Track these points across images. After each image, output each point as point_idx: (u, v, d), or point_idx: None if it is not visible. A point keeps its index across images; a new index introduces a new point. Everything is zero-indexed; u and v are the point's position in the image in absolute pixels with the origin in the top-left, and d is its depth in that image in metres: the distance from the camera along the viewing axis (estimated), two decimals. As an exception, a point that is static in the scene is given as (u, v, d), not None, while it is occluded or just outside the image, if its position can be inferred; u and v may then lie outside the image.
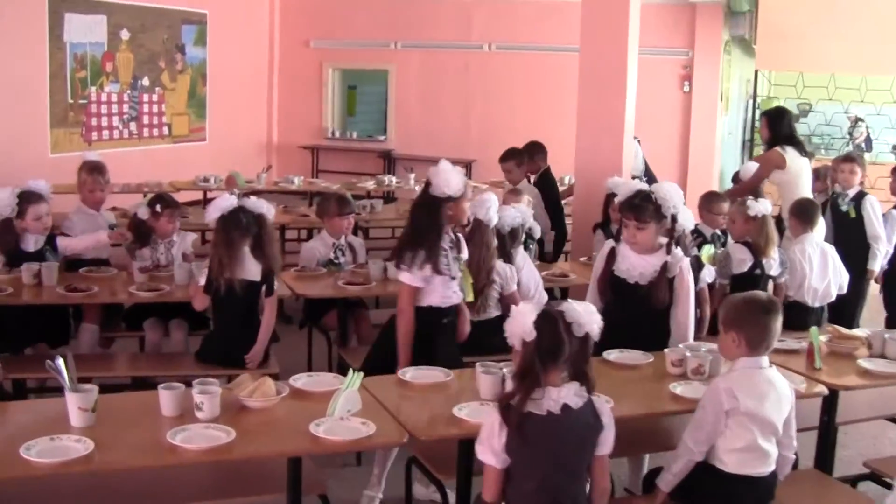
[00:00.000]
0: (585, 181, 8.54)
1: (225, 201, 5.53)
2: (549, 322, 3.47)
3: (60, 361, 3.74)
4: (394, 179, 12.42)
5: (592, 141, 8.44)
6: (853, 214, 7.90)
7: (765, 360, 4.08)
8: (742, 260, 6.50)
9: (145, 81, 14.60)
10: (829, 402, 4.86)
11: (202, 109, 15.88)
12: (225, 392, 3.94)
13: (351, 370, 4.06)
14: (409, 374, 4.51)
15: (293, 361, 6.51)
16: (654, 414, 4.41)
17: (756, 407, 3.96)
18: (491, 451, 3.49)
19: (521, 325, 3.48)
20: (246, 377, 4.06)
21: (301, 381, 4.29)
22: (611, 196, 7.39)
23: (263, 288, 5.60)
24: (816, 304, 6.86)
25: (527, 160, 9.06)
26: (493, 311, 5.97)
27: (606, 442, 3.60)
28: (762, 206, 6.55)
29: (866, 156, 14.27)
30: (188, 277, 6.07)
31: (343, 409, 3.86)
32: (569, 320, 3.47)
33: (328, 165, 17.15)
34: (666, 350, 4.83)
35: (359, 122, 18.05)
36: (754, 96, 15.09)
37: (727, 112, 16.51)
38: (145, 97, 14.65)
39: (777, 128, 8.34)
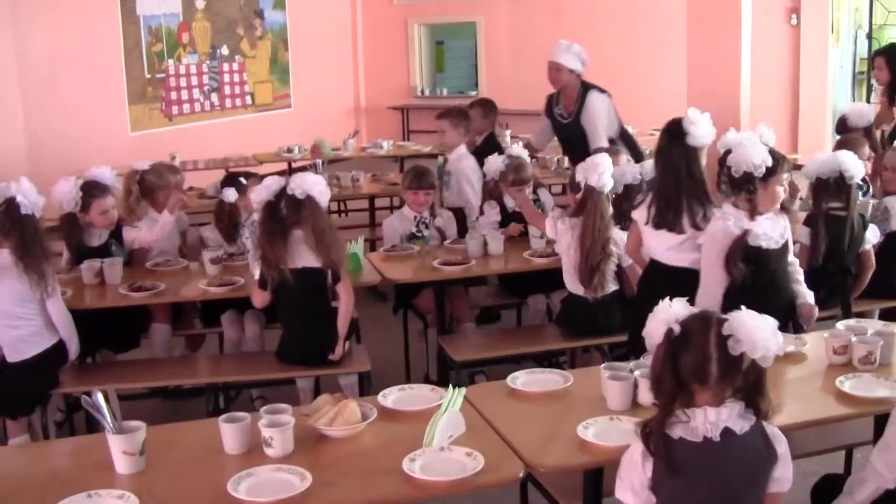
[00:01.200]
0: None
1: (271, 184, 4.86)
2: (697, 330, 2.76)
3: (99, 396, 3.10)
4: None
5: (707, 87, 7.63)
6: None
7: None
8: None
9: (224, 50, 14.02)
10: None
11: (286, 76, 15.26)
12: (300, 419, 3.26)
13: (451, 386, 3.35)
14: (519, 380, 3.79)
15: (387, 352, 5.87)
16: (820, 421, 3.55)
17: None
18: (631, 489, 2.80)
19: (661, 324, 2.80)
20: (325, 398, 3.37)
21: (392, 397, 3.59)
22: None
23: (329, 274, 4.92)
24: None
25: (469, 120, 7.62)
26: (611, 286, 5.28)
27: (783, 478, 2.85)
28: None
29: None
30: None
31: (443, 435, 3.16)
32: (725, 333, 2.74)
33: (419, 125, 16.40)
34: (825, 333, 4.03)
35: (449, 79, 17.34)
36: (870, 25, 13.99)
37: (838, 44, 15.40)
38: (225, 67, 14.07)
39: None
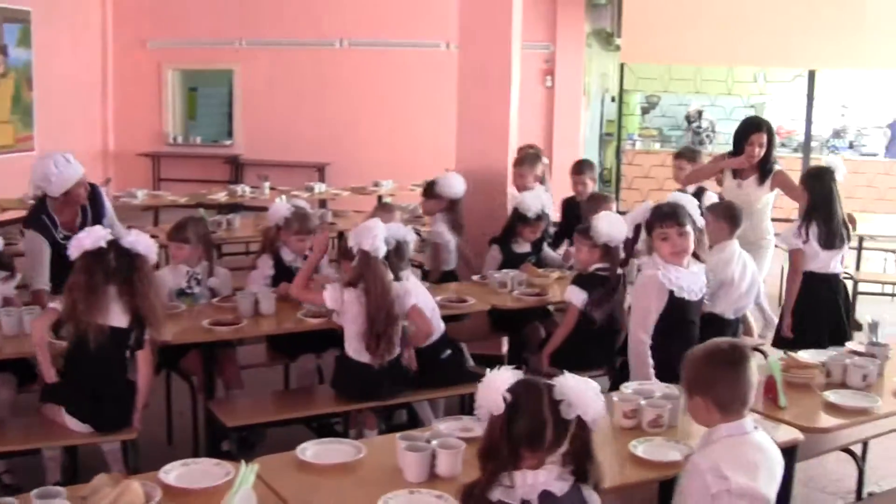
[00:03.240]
0: (469, 189, 7.73)
1: (94, 235, 4.54)
2: (529, 397, 2.74)
3: None
4: (247, 188, 11.36)
5: (476, 145, 7.64)
6: None
7: (748, 422, 3.34)
8: None
9: (-39, 87, 13.19)
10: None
11: (28, 117, 14.45)
12: (77, 503, 2.97)
13: (243, 462, 3.12)
14: (309, 451, 3.60)
15: (149, 415, 5.52)
16: (620, 488, 3.49)
17: (749, 484, 3.20)
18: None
19: (491, 394, 2.75)
20: (104, 479, 3.09)
21: (174, 473, 3.33)
22: (521, 213, 6.78)
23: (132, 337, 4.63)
24: (732, 317, 6.15)
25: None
26: (396, 350, 5.16)
27: None
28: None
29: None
30: (17, 326, 5.05)
31: (238, 517, 2.95)
32: (557, 398, 2.71)
33: (171, 174, 15.99)
34: (615, 397, 4.05)
35: (201, 126, 16.96)
36: (620, 89, 14.65)
37: (589, 107, 16.05)
38: (-37, 105, 13.23)
39: None
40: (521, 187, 7.56)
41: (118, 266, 4.52)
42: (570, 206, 7.99)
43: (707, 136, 15.47)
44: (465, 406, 5.99)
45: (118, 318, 4.55)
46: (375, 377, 5.08)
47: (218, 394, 5.63)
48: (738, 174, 7.15)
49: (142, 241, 4.60)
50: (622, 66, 14.37)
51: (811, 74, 13.96)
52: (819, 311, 6.33)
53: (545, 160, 8.43)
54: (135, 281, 4.56)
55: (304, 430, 5.45)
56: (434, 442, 3.42)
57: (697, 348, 3.49)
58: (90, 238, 4.53)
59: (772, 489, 3.30)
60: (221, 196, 10.94)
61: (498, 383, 2.77)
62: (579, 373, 2.88)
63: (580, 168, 8.03)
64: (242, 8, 15.76)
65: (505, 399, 2.75)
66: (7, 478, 5.13)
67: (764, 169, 7.07)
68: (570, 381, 2.79)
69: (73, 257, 4.56)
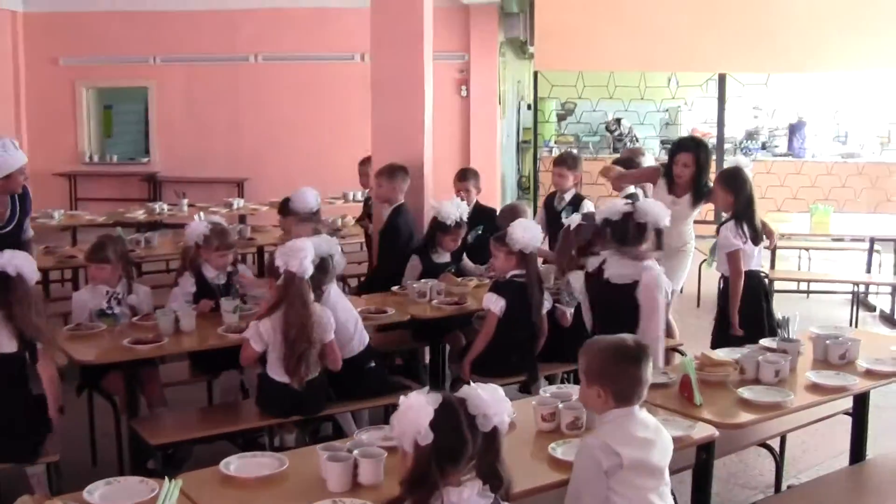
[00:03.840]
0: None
1: None
2: (449, 418, 2.77)
3: None
4: (165, 206, 11.28)
5: (392, 156, 7.69)
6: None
7: (636, 407, 3.50)
8: None
9: None
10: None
11: (-63, 138, 14.20)
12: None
13: (167, 479, 3.16)
14: (232, 465, 3.62)
15: (72, 436, 5.50)
16: (538, 489, 3.58)
17: (644, 456, 3.39)
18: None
19: (414, 423, 2.77)
20: (26, 500, 3.11)
21: (98, 492, 3.33)
22: (441, 222, 6.82)
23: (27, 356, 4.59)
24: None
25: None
26: (316, 369, 5.16)
27: None
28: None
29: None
30: None
31: (161, 534, 2.98)
32: (472, 412, 2.77)
33: (88, 193, 15.87)
34: (533, 401, 4.13)
35: (117, 144, 16.88)
36: (535, 96, 14.81)
37: (504, 115, 16.20)
38: None
39: None
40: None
41: None
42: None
43: (626, 143, 15.67)
44: (389, 416, 6.06)
45: (6, 343, 4.53)
46: (297, 395, 5.09)
47: (141, 412, 5.61)
48: (673, 190, 7.16)
49: (15, 262, 4.55)
50: (536, 73, 14.52)
51: (721, 78, 14.22)
52: (759, 307, 6.39)
53: None
54: (12, 304, 4.53)
55: (229, 446, 5.46)
56: (355, 451, 3.47)
57: (601, 340, 3.62)
58: None
59: (664, 461, 3.46)
60: (140, 214, 10.85)
61: (421, 413, 2.79)
62: (501, 379, 2.96)
63: (464, 175, 8.04)
64: (156, 24, 15.68)
65: (430, 426, 2.77)
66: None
67: (699, 191, 7.08)
68: (482, 393, 2.84)
69: None
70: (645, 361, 3.48)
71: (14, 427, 4.60)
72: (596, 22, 13.03)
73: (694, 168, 7.07)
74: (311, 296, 5.08)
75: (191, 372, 6.28)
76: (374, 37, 7.94)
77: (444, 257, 6.97)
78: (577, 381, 5.01)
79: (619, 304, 5.31)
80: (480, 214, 7.73)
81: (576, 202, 7.80)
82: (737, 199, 6.35)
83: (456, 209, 6.80)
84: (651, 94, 15.39)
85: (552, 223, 7.63)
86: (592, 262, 5.52)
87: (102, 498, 3.31)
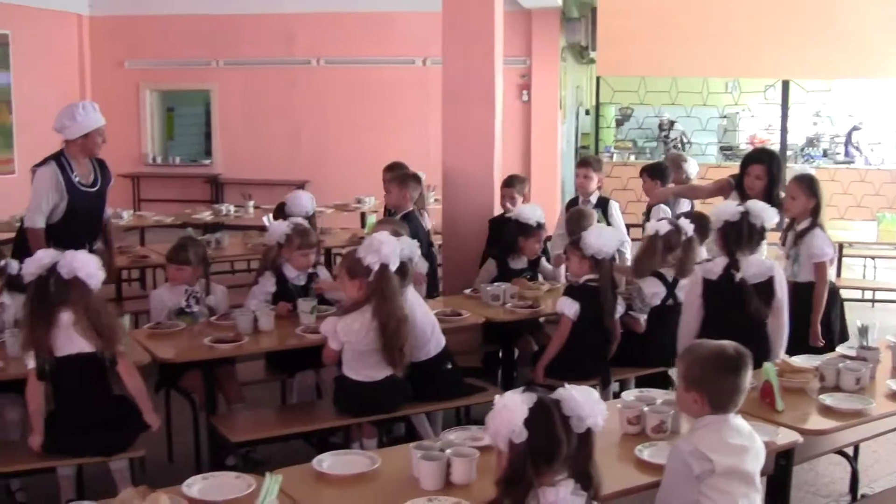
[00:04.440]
0: (456, 204, 7.82)
1: (43, 258, 4.56)
2: (544, 418, 2.81)
3: None
4: (231, 208, 11.39)
5: (462, 160, 7.73)
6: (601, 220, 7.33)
7: (731, 414, 3.50)
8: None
9: (-60, 111, 13.17)
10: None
11: (9, 139, 14.48)
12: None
13: (268, 474, 3.21)
14: (325, 463, 3.68)
15: (149, 435, 5.52)
16: (626, 491, 3.60)
17: (737, 462, 3.39)
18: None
19: (509, 422, 2.81)
20: (130, 493, 3.16)
21: (197, 487, 3.41)
22: (524, 224, 6.85)
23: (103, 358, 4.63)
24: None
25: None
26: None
27: None
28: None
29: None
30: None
31: (266, 526, 3.03)
32: (567, 413, 2.80)
33: (151, 194, 16.02)
34: (618, 405, 4.15)
35: (179, 146, 17.04)
36: (597, 102, 14.80)
37: (565, 121, 16.19)
38: (-59, 129, 13.19)
39: None
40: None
41: (57, 292, 4.51)
42: (496, 226, 7.72)
43: (675, 146, 15.61)
44: (461, 418, 6.10)
45: (81, 343, 4.56)
46: (374, 393, 5.13)
47: (220, 410, 5.68)
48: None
49: (84, 267, 4.55)
50: (598, 78, 14.50)
51: (785, 84, 14.13)
52: (837, 316, 6.34)
53: None
54: (82, 304, 4.54)
55: (303, 446, 5.54)
56: (448, 451, 3.51)
57: (702, 346, 3.63)
58: (35, 264, 4.54)
59: (757, 467, 3.46)
60: (206, 215, 10.97)
61: (516, 411, 2.83)
62: (574, 383, 2.98)
63: (510, 182, 7.94)
64: (218, 28, 15.82)
65: (523, 428, 2.82)
66: (21, 496, 5.18)
67: (771, 203, 6.50)
68: (576, 395, 2.89)
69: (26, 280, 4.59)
70: (744, 370, 3.49)
71: (99, 424, 4.63)
72: (658, 27, 12.97)
73: (766, 180, 6.93)
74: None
75: (266, 371, 6.34)
76: (446, 43, 7.97)
77: (521, 263, 6.99)
78: (650, 385, 5.08)
79: (750, 305, 5.36)
80: None
81: (601, 204, 7.80)
82: (818, 204, 6.24)
83: (533, 212, 6.84)
84: (713, 99, 15.33)
85: None
86: (709, 269, 5.54)
87: (201, 492, 3.37)
